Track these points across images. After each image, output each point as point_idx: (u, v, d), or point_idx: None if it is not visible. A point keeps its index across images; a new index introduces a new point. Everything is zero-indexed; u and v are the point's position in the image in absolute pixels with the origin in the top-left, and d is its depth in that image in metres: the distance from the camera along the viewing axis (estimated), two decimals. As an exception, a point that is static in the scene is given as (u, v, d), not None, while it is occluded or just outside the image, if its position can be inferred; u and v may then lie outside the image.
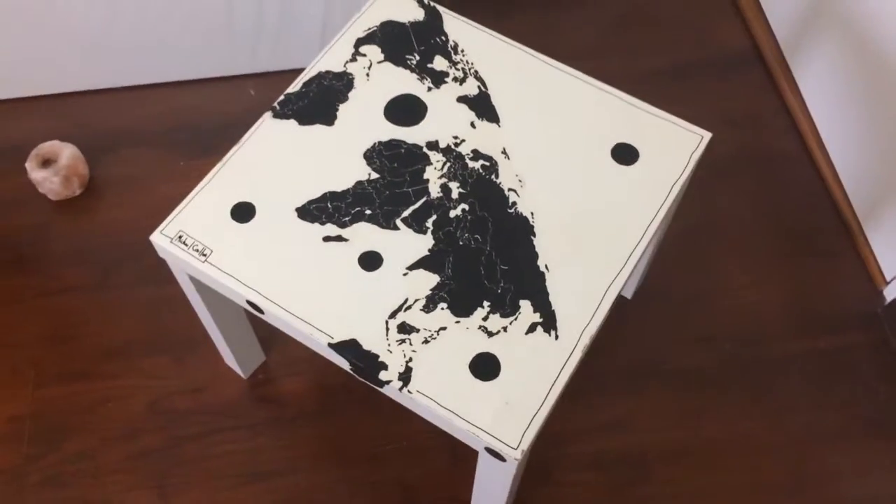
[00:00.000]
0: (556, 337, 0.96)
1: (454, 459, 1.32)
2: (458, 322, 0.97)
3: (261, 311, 1.00)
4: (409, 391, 0.93)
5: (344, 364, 0.97)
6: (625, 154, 1.09)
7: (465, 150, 1.09)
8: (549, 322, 0.97)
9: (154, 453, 1.31)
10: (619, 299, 1.46)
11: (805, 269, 1.49)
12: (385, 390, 0.96)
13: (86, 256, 1.48)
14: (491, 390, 0.93)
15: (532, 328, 0.97)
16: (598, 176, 1.08)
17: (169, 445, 1.32)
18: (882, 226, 1.45)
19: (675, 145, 1.10)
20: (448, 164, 1.08)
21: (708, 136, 1.11)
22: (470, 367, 0.94)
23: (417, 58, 1.17)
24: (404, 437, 1.33)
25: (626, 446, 1.33)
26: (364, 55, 1.17)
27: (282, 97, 1.13)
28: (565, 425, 1.34)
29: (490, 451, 0.92)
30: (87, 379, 1.37)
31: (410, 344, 0.96)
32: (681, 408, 1.36)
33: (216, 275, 1.00)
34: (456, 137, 1.10)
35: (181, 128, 1.62)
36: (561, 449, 1.33)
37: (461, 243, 1.02)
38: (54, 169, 1.48)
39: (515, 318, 0.97)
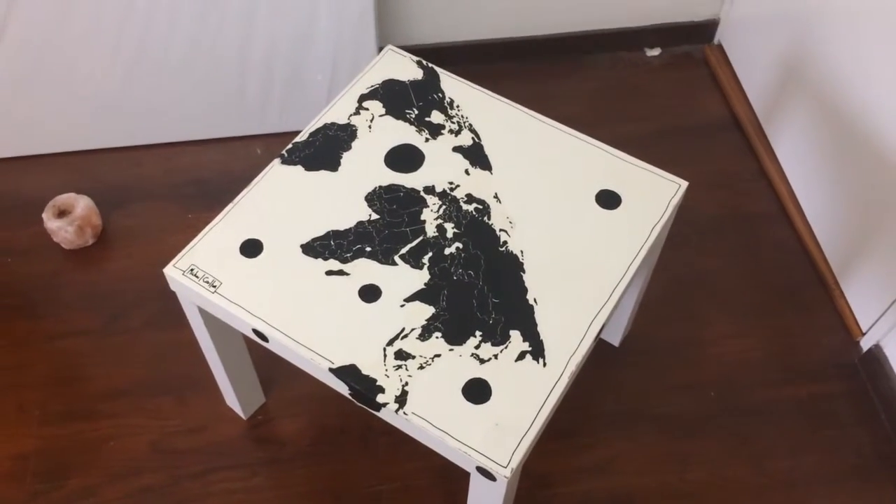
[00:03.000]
0: (545, 364, 1.02)
1: (448, 499, 1.35)
2: (451, 350, 1.03)
3: (265, 339, 1.06)
4: (404, 413, 0.98)
5: (343, 389, 1.03)
6: (608, 199, 1.18)
7: (459, 194, 1.17)
8: (537, 350, 1.03)
9: (155, 491, 1.35)
10: (607, 346, 1.52)
11: (785, 321, 1.56)
12: (382, 414, 1.01)
13: (94, 302, 1.55)
14: (482, 413, 0.98)
15: (521, 356, 1.03)
16: (584, 219, 1.15)
17: (169, 483, 1.35)
18: (856, 280, 1.52)
19: (655, 192, 1.19)
20: (444, 207, 1.16)
21: (685, 184, 1.20)
22: (463, 391, 1.00)
23: (416, 112, 1.26)
24: (399, 478, 1.37)
25: (613, 488, 1.37)
26: (367, 109, 1.26)
27: (290, 146, 1.22)
28: (554, 466, 1.38)
29: (481, 470, 0.96)
30: (91, 418, 1.41)
31: (407, 369, 1.01)
32: (667, 452, 1.40)
33: (224, 304, 1.06)
34: (451, 183, 1.18)
35: (189, 183, 1.71)
36: (550, 489, 1.36)
37: (455, 278, 1.09)
38: (69, 219, 1.55)
39: (506, 347, 1.04)
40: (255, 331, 1.06)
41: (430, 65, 1.32)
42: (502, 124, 1.25)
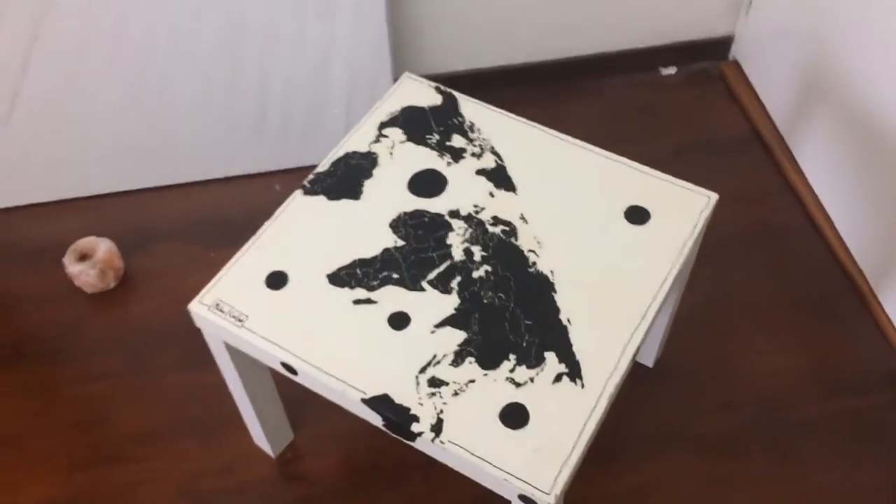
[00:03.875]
0: (583, 386, 0.99)
1: (485, 533, 1.31)
2: (486, 374, 1.00)
3: (294, 373, 1.04)
4: (441, 442, 0.95)
5: (377, 420, 1.00)
6: (637, 215, 1.15)
7: (485, 216, 1.15)
8: (574, 372, 1.00)
9: (185, 535, 1.32)
10: (641, 368, 1.48)
11: (822, 334, 1.52)
12: (417, 444, 0.98)
13: (118, 345, 1.53)
14: (521, 438, 0.95)
15: (558, 378, 1.00)
16: (613, 236, 1.13)
17: (199, 527, 1.32)
18: (893, 288, 1.49)
19: (684, 206, 1.16)
20: (470, 231, 1.14)
21: (715, 196, 1.17)
22: (500, 416, 0.97)
23: (437, 137, 1.25)
24: (434, 513, 1.33)
25: (656, 514, 1.33)
26: (387, 136, 1.25)
27: (311, 176, 1.21)
28: (591, 492, 1.34)
29: (524, 498, 0.93)
30: (117, 463, 1.39)
31: (441, 396, 0.99)
32: (706, 474, 1.36)
33: (252, 339, 1.04)
34: (476, 206, 1.16)
35: (210, 222, 1.70)
36: (591, 518, 1.32)
37: (486, 301, 1.07)
38: (91, 262, 1.54)
39: (542, 370, 1.01)
40: (284, 364, 1.04)
41: (447, 89, 1.31)
42: (524, 145, 1.24)
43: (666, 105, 1.90)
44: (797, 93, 1.72)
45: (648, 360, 1.49)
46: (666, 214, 1.15)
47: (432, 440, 0.95)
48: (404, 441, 1.00)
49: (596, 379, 1.00)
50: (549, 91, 1.91)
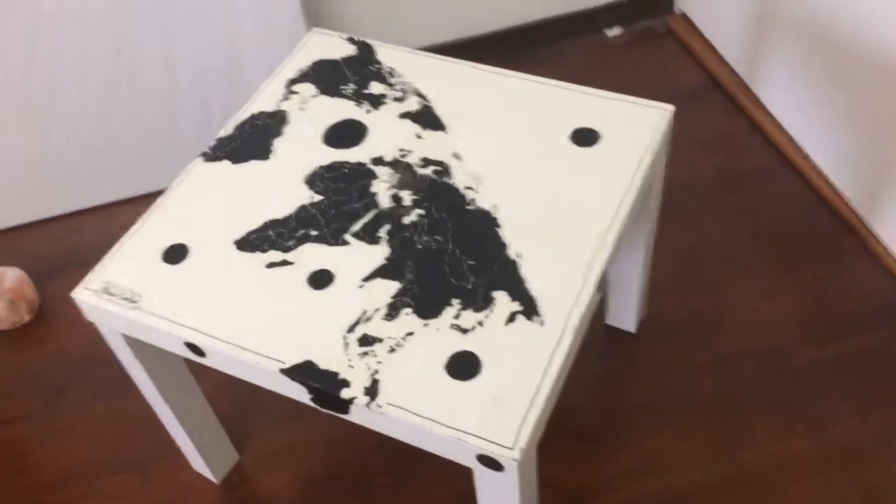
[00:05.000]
0: (542, 323, 0.83)
1: (464, 536, 1.13)
2: (426, 325, 0.84)
3: (202, 354, 0.87)
4: (377, 405, 0.78)
5: (302, 394, 0.83)
6: (585, 138, 1.01)
7: (413, 159, 1.00)
8: (530, 308, 0.85)
9: (117, 583, 1.13)
10: (623, 335, 1.32)
11: (814, 274, 1.37)
12: (352, 415, 0.82)
13: (34, 383, 1.35)
14: (473, 390, 0.79)
15: (511, 318, 0.84)
16: (560, 162, 0.98)
17: (134, 571, 1.14)
18: (887, 215, 1.34)
19: (638, 122, 1.02)
20: (397, 176, 0.99)
21: (671, 108, 1.03)
22: (446, 368, 0.81)
23: (353, 87, 1.11)
24: (404, 521, 1.15)
25: (658, 490, 1.15)
26: (297, 92, 1.11)
27: (213, 142, 1.06)
28: (585, 477, 1.17)
29: (484, 460, 0.76)
30: (39, 511, 1.21)
31: (375, 355, 0.82)
32: (713, 438, 1.19)
33: (147, 321, 0.88)
34: (402, 150, 1.02)
35: (134, 241, 1.54)
36: (585, 504, 1.15)
37: (420, 247, 0.91)
38: (-3, 293, 1.38)
39: (491, 311, 0.85)
40: (188, 345, 0.87)
41: (362, 38, 1.17)
42: (452, 83, 1.10)
43: (617, 66, 1.78)
44: (752, 31, 1.60)
45: (630, 325, 1.33)
46: (617, 132, 1.01)
47: (367, 405, 0.79)
48: (337, 415, 0.83)
49: (556, 312, 0.84)
50: (491, 66, 1.78)
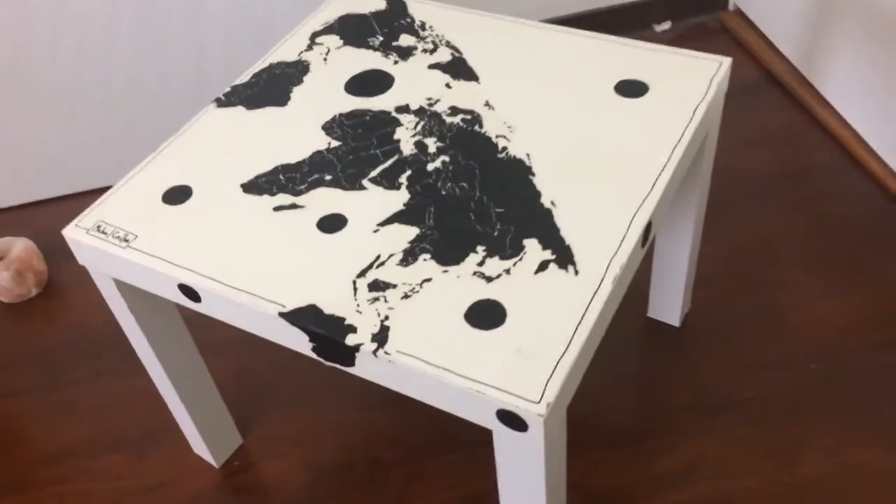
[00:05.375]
0: (576, 272, 0.73)
1: (485, 537, 1.02)
2: (445, 272, 0.75)
3: (196, 298, 0.79)
4: (386, 353, 0.69)
5: (302, 342, 0.74)
6: (632, 89, 0.91)
7: (440, 108, 0.92)
8: (564, 257, 0.74)
9: (103, 569, 1.03)
10: (667, 328, 1.21)
11: (882, 273, 1.24)
12: (357, 368, 0.72)
13: (37, 357, 1.28)
14: (496, 340, 0.69)
15: (543, 266, 0.74)
16: (603, 111, 0.89)
17: (122, 558, 1.04)
18: (962, 211, 1.22)
19: (690, 74, 0.92)
20: (422, 123, 0.90)
21: (728, 61, 0.93)
22: (466, 317, 0.71)
23: (381, 38, 1.03)
24: (419, 517, 1.04)
25: (706, 497, 1.02)
26: (321, 44, 1.03)
27: (227, 89, 0.98)
28: (626, 478, 1.05)
29: (504, 416, 0.65)
30: (31, 488, 1.12)
31: (386, 301, 0.73)
32: (767, 443, 1.06)
33: (139, 260, 0.79)
34: (429, 98, 0.93)
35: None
36: (622, 507, 1.02)
37: (443, 193, 0.82)
38: (5, 262, 1.31)
39: (520, 259, 0.75)
40: (182, 288, 0.79)
41: (394, -6, 1.10)
42: (487, 36, 1.01)
43: (665, 63, 1.68)
44: (811, 23, 1.50)
45: (674, 319, 1.21)
46: (668, 84, 0.91)
47: (374, 353, 0.69)
48: (341, 368, 0.73)
49: (594, 263, 0.74)
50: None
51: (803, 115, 1.52)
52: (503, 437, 0.68)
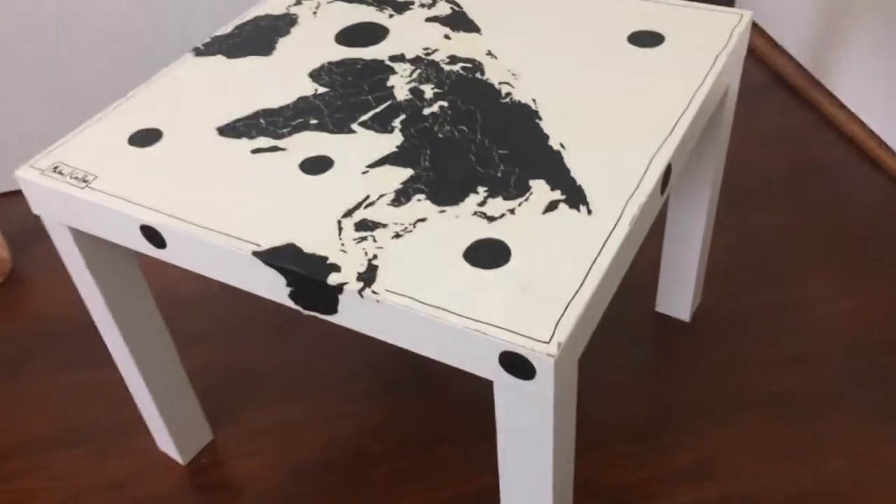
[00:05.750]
0: (589, 212, 0.65)
1: (479, 540, 0.92)
2: (442, 211, 0.66)
3: (161, 243, 0.70)
4: (374, 292, 0.60)
5: (278, 287, 0.65)
6: (647, 39, 0.84)
7: (438, 57, 0.85)
8: (575, 197, 0.66)
9: (50, 572, 0.92)
10: (676, 323, 1.12)
11: (905, 269, 1.17)
12: (340, 313, 0.63)
13: (-5, 348, 1.18)
14: (499, 278, 0.60)
15: (552, 206, 0.66)
16: (616, 60, 0.82)
17: (73, 560, 0.93)
18: None
19: (708, 26, 0.86)
20: (418, 72, 0.83)
21: (748, 14, 0.87)
22: (465, 256, 0.62)
23: (375, -5, 0.96)
24: (406, 519, 0.94)
25: (724, 496, 0.93)
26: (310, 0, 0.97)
27: (207, 39, 0.91)
28: (637, 476, 0.95)
29: (508, 359, 0.56)
30: (-28, 486, 1.01)
31: (375, 241, 0.64)
32: (789, 441, 0.97)
33: (98, 200, 0.71)
34: (426, 49, 0.86)
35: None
36: (631, 508, 0.92)
37: (441, 136, 0.74)
38: (-35, 246, 1.22)
39: (526, 199, 0.67)
40: (144, 230, 0.70)
41: (390, -45, 1.04)
42: (489, -7, 0.95)
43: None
44: (819, 22, 1.45)
45: (684, 314, 1.13)
46: (685, 35, 0.84)
47: (360, 292, 0.60)
48: (322, 317, 0.64)
49: (609, 202, 0.66)
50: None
51: (814, 114, 1.46)
52: (505, 391, 0.59)
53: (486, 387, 1.05)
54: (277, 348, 1.13)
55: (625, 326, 1.12)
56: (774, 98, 1.51)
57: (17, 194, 1.45)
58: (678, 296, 1.11)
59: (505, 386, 0.58)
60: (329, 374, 1.09)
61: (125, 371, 0.93)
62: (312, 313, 0.65)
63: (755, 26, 1.66)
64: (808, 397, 1.02)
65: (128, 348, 0.89)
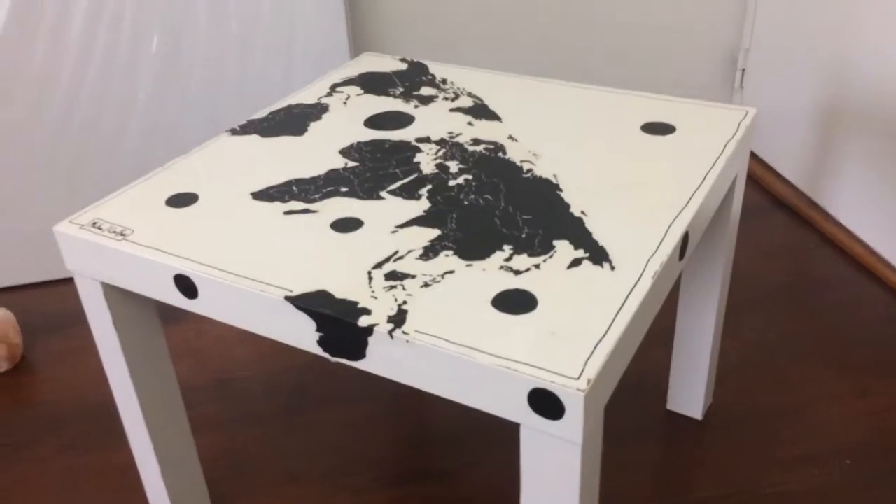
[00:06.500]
0: (612, 268, 0.67)
1: None
2: (469, 265, 0.68)
3: (193, 293, 0.71)
4: (403, 333, 0.61)
5: (308, 332, 0.66)
6: (659, 129, 0.90)
7: (462, 140, 0.89)
8: (598, 256, 0.69)
9: None
10: (688, 421, 1.12)
11: (914, 376, 1.17)
12: (369, 357, 0.63)
13: (-3, 431, 1.16)
14: (527, 323, 0.61)
15: (576, 263, 0.68)
16: (631, 146, 0.86)
17: None
18: None
19: (716, 119, 0.91)
20: (444, 151, 0.87)
21: (753, 110, 0.93)
22: (493, 303, 0.64)
23: (401, 89, 1.02)
24: None
25: None
26: (341, 92, 1.02)
27: (243, 122, 0.96)
28: (648, 572, 0.92)
29: (537, 397, 0.57)
30: (-39, 567, 0.97)
31: (404, 289, 0.66)
32: (808, 540, 0.95)
33: (135, 251, 0.73)
34: (451, 132, 0.91)
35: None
36: None
37: (466, 203, 0.77)
38: (-22, 329, 1.23)
39: (550, 256, 0.69)
40: (179, 279, 0.72)
41: (415, 59, 1.11)
42: (509, 88, 1.01)
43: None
44: (815, 152, 1.53)
45: (696, 412, 1.12)
46: (695, 126, 0.90)
47: (391, 333, 0.61)
48: (348, 363, 0.65)
49: (631, 261, 0.68)
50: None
51: (814, 233, 1.50)
52: (533, 435, 0.59)
53: (492, 481, 1.03)
54: (281, 438, 1.12)
55: (637, 423, 1.11)
56: (775, 218, 1.56)
57: (36, 286, 1.47)
58: (690, 394, 1.12)
59: (532, 429, 0.59)
60: (329, 466, 1.08)
61: (138, 447, 0.92)
62: (340, 360, 0.66)
63: (753, 155, 1.74)
64: (820, 497, 1.00)
65: (145, 422, 0.88)
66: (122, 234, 0.75)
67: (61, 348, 1.31)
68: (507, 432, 1.11)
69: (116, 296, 0.80)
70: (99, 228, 0.76)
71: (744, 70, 1.74)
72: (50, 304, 1.42)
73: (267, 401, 1.19)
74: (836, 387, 1.16)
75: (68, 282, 1.48)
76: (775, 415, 1.12)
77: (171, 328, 1.34)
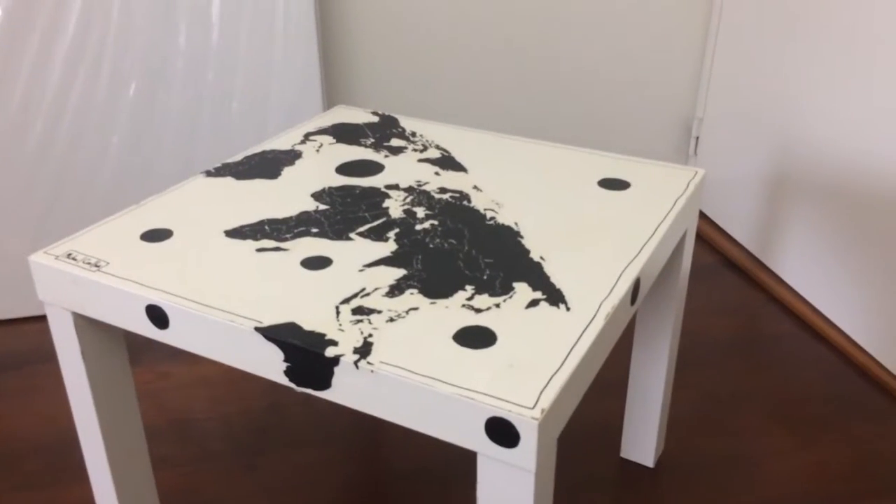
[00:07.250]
0: (568, 309, 0.71)
1: None
2: (433, 303, 0.72)
3: (164, 322, 0.74)
4: (368, 363, 0.64)
5: (275, 362, 0.68)
6: (615, 184, 0.95)
7: (430, 188, 0.94)
8: (555, 297, 0.73)
9: None
10: (640, 469, 1.15)
11: (858, 431, 1.22)
12: (334, 386, 0.66)
13: (-50, 467, 1.15)
14: (487, 357, 0.65)
15: (534, 303, 0.72)
16: (588, 198, 0.91)
17: None
18: (926, 373, 1.23)
19: (668, 178, 0.97)
20: (411, 197, 0.91)
21: (702, 172, 0.99)
22: (454, 338, 0.67)
23: (372, 140, 1.07)
24: None
25: None
26: (314, 140, 1.07)
27: (218, 164, 1.00)
28: None
29: (494, 426, 0.60)
30: None
31: (370, 323, 0.69)
32: (753, 585, 0.98)
33: (108, 282, 0.75)
34: (419, 181, 0.95)
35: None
36: None
37: (432, 246, 0.81)
38: (-63, 363, 1.22)
39: (510, 297, 0.73)
40: (150, 310, 0.74)
41: (386, 112, 1.16)
42: (475, 143, 1.06)
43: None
44: (763, 214, 1.60)
45: (647, 459, 1.15)
46: (648, 182, 0.95)
47: (356, 363, 0.64)
48: (314, 393, 0.68)
49: (586, 301, 0.72)
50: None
51: (762, 293, 1.57)
52: (489, 463, 0.62)
53: (453, 522, 1.05)
54: (238, 478, 1.13)
55: (592, 470, 1.14)
56: (726, 278, 1.63)
57: (4, 323, 1.47)
58: (642, 442, 1.15)
59: (489, 457, 0.61)
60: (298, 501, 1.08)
61: (98, 482, 0.92)
62: (305, 390, 0.68)
63: (706, 218, 1.81)
64: (770, 543, 1.03)
65: (107, 456, 0.89)
66: (96, 266, 0.77)
67: (17, 386, 1.31)
68: (462, 475, 1.13)
69: (86, 326, 0.82)
70: (74, 259, 0.79)
71: (698, 138, 1.83)
72: (6, 343, 1.42)
73: (225, 442, 1.19)
74: (779, 440, 1.20)
75: (27, 321, 1.48)
76: (725, 464, 1.16)
77: (131, 370, 1.35)
